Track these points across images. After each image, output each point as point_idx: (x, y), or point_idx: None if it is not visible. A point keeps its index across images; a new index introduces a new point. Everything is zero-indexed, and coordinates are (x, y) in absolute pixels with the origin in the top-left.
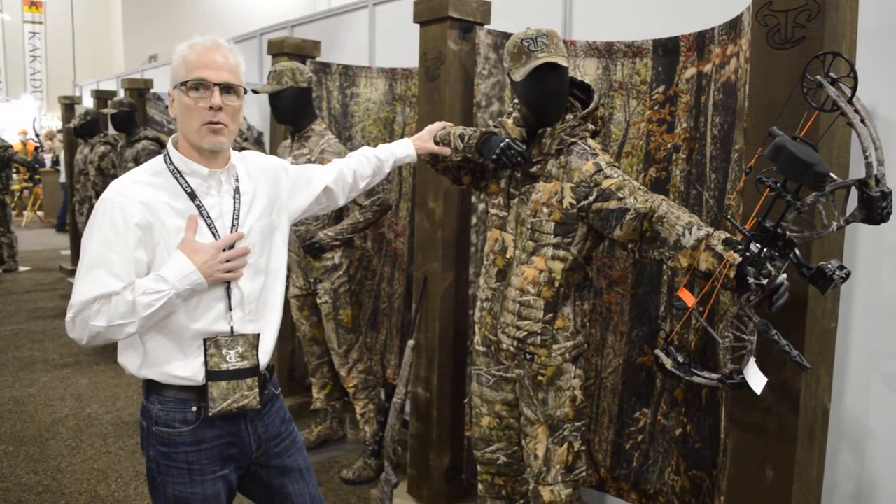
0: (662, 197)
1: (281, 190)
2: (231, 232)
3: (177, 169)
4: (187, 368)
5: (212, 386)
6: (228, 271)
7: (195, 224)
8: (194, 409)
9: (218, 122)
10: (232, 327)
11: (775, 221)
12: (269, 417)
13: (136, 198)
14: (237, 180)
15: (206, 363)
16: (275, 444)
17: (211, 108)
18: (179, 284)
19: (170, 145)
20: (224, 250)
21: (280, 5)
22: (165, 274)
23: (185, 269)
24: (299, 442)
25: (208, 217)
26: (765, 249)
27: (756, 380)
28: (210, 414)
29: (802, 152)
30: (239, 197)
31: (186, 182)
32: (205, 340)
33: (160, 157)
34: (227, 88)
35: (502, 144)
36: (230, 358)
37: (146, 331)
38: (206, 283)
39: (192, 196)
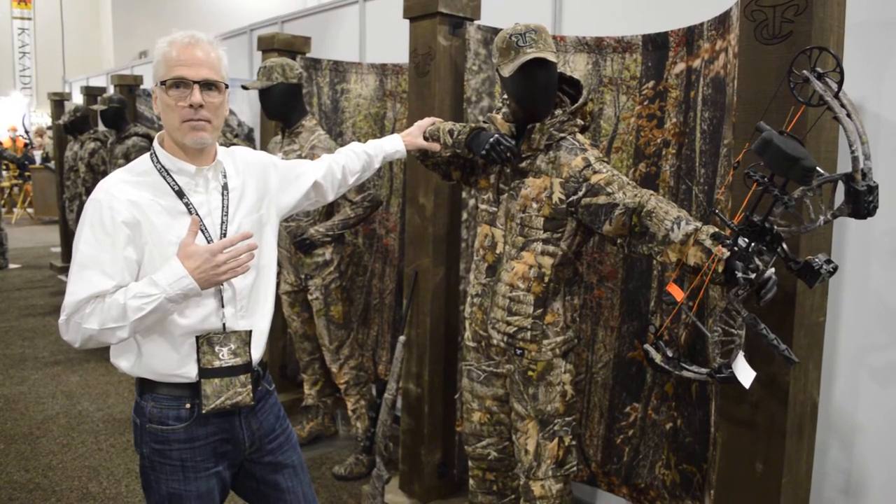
0: (651, 192)
1: (270, 185)
2: (221, 228)
3: (164, 167)
4: (180, 366)
5: (205, 383)
6: (225, 273)
7: (196, 228)
8: (188, 405)
9: (199, 119)
10: (224, 324)
11: (763, 216)
12: (262, 414)
13: (123, 196)
14: (225, 176)
15: (198, 360)
16: (268, 441)
17: (191, 106)
18: (170, 289)
19: (156, 143)
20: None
21: (270, 1)
22: (157, 278)
23: (176, 273)
24: (293, 439)
25: (197, 214)
26: (753, 244)
27: (745, 374)
28: (204, 411)
29: (789, 147)
30: (227, 193)
31: (174, 180)
32: (197, 338)
33: (147, 156)
34: (207, 85)
35: (491, 140)
36: (223, 355)
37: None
38: (198, 287)
39: (180, 194)
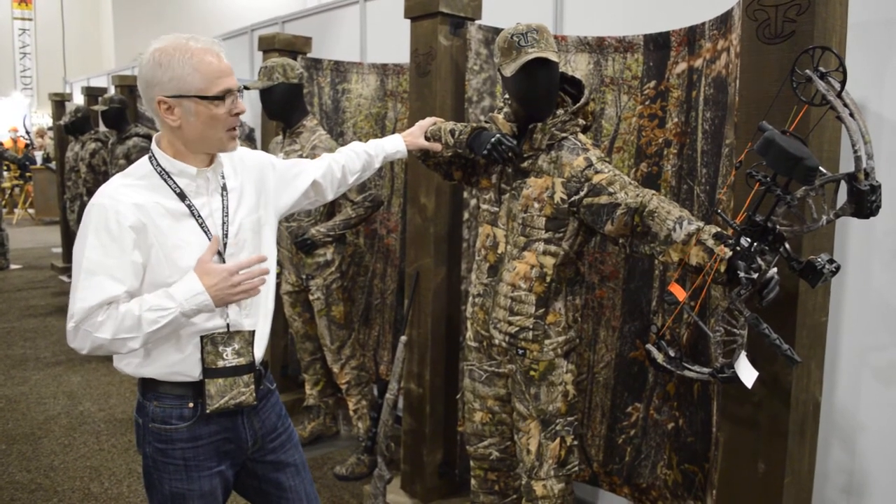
0: (653, 192)
1: (268, 185)
2: (222, 229)
3: (164, 170)
4: (184, 366)
5: (209, 383)
6: (239, 294)
7: (216, 247)
8: (191, 405)
9: (237, 126)
10: (228, 324)
11: (765, 216)
12: (264, 413)
13: (128, 200)
14: (223, 177)
15: (202, 361)
16: (270, 440)
17: (236, 114)
18: (186, 304)
19: (154, 146)
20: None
21: (271, 1)
22: (174, 292)
23: (193, 289)
24: (295, 438)
25: (199, 216)
26: (755, 244)
27: (747, 374)
28: (208, 411)
29: (792, 147)
30: (226, 194)
31: (175, 183)
32: (202, 338)
33: (145, 159)
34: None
35: (493, 140)
36: (226, 355)
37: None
38: (212, 304)
39: (182, 196)
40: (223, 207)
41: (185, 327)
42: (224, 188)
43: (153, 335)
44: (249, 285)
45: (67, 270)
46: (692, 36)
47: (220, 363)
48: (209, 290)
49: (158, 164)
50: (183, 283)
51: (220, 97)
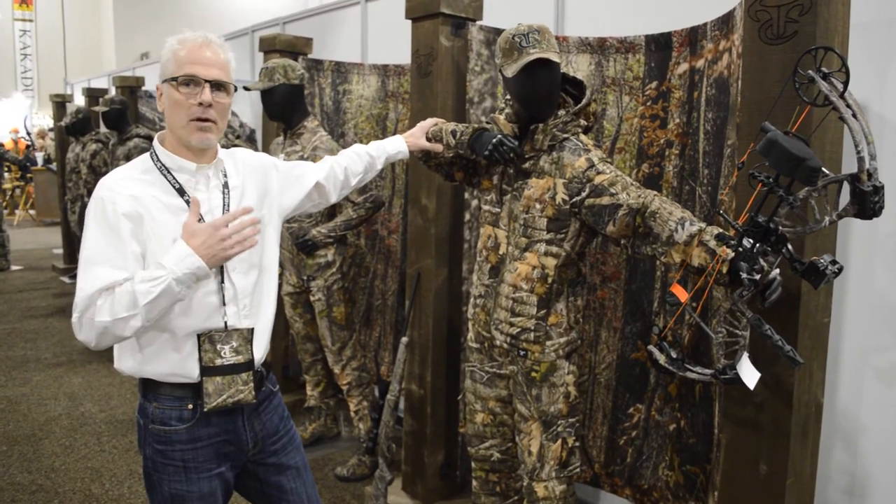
0: (655, 192)
1: (271, 185)
2: None
3: (164, 166)
4: (183, 366)
5: (207, 381)
6: (232, 248)
7: (197, 209)
8: (190, 406)
9: (207, 120)
10: (226, 322)
11: (768, 216)
12: (266, 414)
13: (125, 192)
14: (225, 175)
15: (200, 359)
16: (272, 442)
17: (201, 104)
18: (177, 268)
19: (156, 142)
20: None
21: (272, 2)
22: (164, 260)
23: (181, 252)
24: (297, 440)
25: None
26: (757, 244)
27: (749, 375)
28: (206, 409)
29: (794, 147)
30: (228, 192)
31: (174, 178)
32: (199, 336)
33: (147, 155)
34: (217, 85)
35: (494, 140)
36: (224, 353)
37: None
38: (205, 266)
39: (181, 192)
40: (224, 204)
41: (183, 299)
42: (226, 185)
43: (151, 309)
44: (241, 237)
45: (68, 271)
46: (694, 36)
47: (218, 361)
48: (198, 251)
49: (159, 160)
50: (172, 249)
51: (179, 80)
